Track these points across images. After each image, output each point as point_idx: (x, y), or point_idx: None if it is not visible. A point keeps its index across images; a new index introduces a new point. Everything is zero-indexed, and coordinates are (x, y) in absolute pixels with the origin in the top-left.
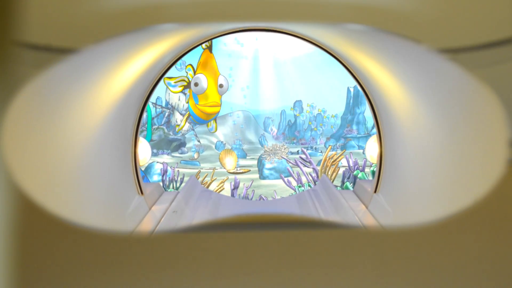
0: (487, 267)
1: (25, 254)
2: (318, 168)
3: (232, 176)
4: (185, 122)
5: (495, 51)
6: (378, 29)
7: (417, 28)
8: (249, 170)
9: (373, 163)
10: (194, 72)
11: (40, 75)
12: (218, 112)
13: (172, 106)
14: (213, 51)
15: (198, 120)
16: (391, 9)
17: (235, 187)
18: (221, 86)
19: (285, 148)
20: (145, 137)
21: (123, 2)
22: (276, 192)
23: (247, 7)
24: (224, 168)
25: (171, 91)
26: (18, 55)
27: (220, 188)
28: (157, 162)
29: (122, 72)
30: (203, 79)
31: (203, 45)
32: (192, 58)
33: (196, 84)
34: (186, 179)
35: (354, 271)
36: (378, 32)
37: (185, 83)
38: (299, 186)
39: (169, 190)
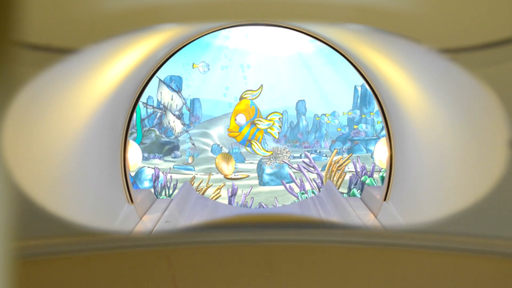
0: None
1: (25, 254)
2: (323, 173)
3: (229, 182)
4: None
5: (495, 51)
6: (378, 30)
7: (417, 28)
8: (248, 176)
9: (382, 168)
10: None
11: (40, 75)
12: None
13: (164, 106)
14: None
15: None
16: (392, 10)
17: (233, 194)
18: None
19: (286, 152)
20: (135, 139)
21: (123, 2)
22: (277, 200)
23: (248, 7)
24: (221, 173)
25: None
26: (18, 55)
27: (216, 195)
28: (148, 167)
29: (121, 71)
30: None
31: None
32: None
33: None
34: (179, 185)
35: (355, 270)
36: (378, 32)
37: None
38: (302, 193)
39: (161, 197)
